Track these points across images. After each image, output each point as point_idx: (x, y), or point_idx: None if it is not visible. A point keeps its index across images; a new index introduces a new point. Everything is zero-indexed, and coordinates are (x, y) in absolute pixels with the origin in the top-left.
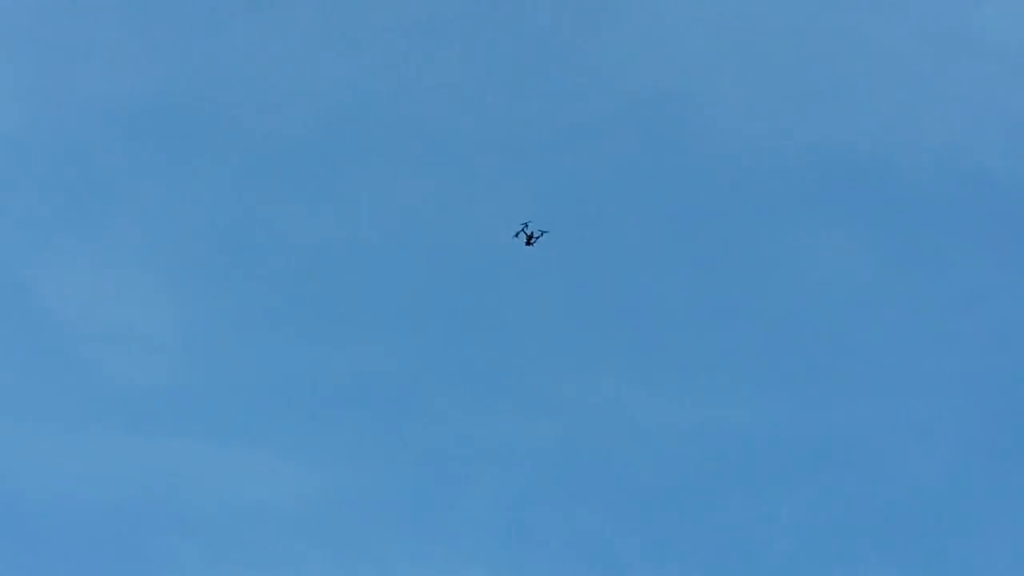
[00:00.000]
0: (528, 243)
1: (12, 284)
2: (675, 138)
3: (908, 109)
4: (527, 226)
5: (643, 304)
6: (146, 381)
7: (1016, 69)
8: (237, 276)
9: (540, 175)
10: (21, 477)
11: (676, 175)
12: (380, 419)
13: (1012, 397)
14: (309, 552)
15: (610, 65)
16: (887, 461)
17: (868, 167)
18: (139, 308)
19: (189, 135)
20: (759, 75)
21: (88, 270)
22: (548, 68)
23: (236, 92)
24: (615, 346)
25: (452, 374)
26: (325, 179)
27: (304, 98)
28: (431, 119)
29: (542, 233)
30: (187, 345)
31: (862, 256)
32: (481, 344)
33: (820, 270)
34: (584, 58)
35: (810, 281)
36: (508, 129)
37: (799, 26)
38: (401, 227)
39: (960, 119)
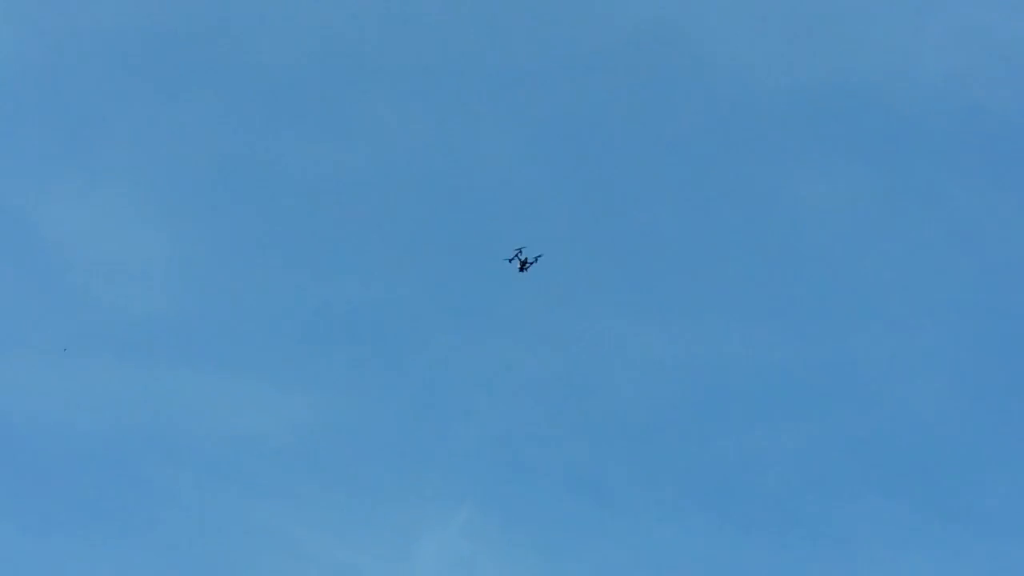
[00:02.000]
0: (522, 269)
1: (8, 214)
2: (671, 70)
3: (905, 41)
4: (521, 251)
5: (639, 238)
6: (142, 311)
7: (1014, 2)
8: (234, 207)
9: (535, 107)
10: (18, 406)
11: (671, 107)
12: (375, 350)
13: (1007, 329)
14: (302, 481)
15: None
16: (882, 393)
17: (865, 99)
18: (135, 238)
19: (184, 66)
20: (755, 6)
21: (84, 200)
22: None
23: (231, 23)
24: (610, 279)
25: (448, 306)
26: (321, 109)
27: (298, 29)
28: (425, 51)
29: (536, 259)
30: (183, 275)
31: (859, 189)
32: (477, 277)
33: (817, 204)
34: None
35: (807, 215)
36: (503, 60)
37: None
38: (398, 158)
39: (957, 52)
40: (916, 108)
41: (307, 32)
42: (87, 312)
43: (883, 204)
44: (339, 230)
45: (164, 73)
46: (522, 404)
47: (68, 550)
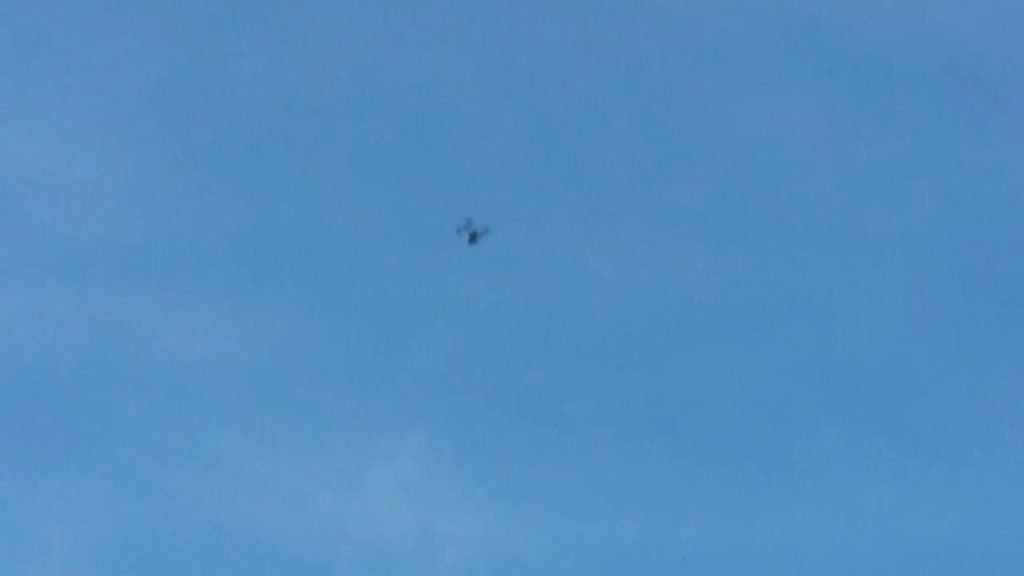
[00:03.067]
0: (471, 241)
1: None
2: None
3: None
4: (470, 223)
5: (592, 160)
6: (88, 235)
7: None
8: (184, 128)
9: (492, 30)
10: None
11: (629, 32)
12: (326, 275)
13: (964, 256)
14: (251, 408)
15: None
16: (839, 319)
17: (821, 22)
18: (80, 159)
19: None
20: None
21: (27, 119)
22: None
23: None
24: (564, 202)
25: (400, 229)
26: (274, 20)
27: None
28: None
29: (486, 230)
30: (130, 198)
31: (815, 115)
32: (430, 198)
33: (773, 129)
34: None
35: (763, 141)
36: None
37: None
38: (353, 77)
39: None
40: (873, 32)
41: None
42: (31, 236)
43: (840, 130)
44: (292, 153)
45: None
46: (475, 330)
47: (12, 476)
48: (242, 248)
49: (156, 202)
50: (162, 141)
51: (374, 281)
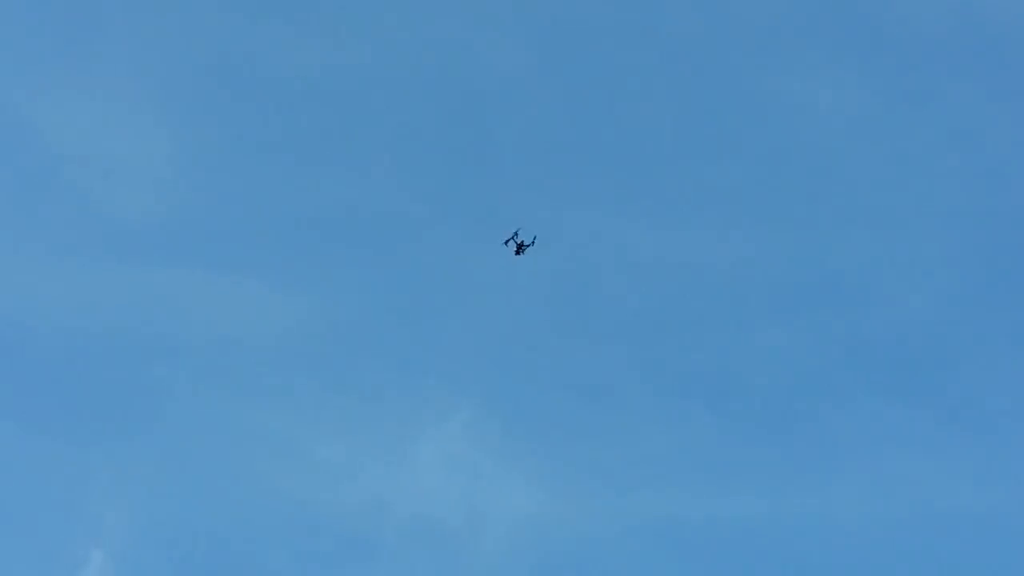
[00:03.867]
0: (518, 252)
1: (6, 113)
2: None
3: None
4: (517, 234)
5: (636, 138)
6: (138, 210)
7: None
8: (232, 105)
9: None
10: (14, 305)
11: (664, 8)
12: (374, 249)
13: (1002, 231)
14: (299, 382)
15: None
16: (877, 294)
17: (865, 2)
18: (132, 137)
19: None
20: None
21: (81, 97)
22: None
23: None
24: (607, 179)
25: (444, 205)
26: (321, 7)
27: None
28: None
29: (533, 240)
30: (180, 174)
31: (857, 91)
32: (473, 176)
33: (813, 105)
34: None
35: (805, 116)
36: None
37: None
38: (395, 56)
39: None
40: (914, 9)
41: None
42: (83, 211)
43: (880, 106)
44: (338, 128)
45: None
46: (520, 305)
47: (63, 450)
48: (290, 224)
49: (204, 178)
50: (210, 118)
51: (420, 257)
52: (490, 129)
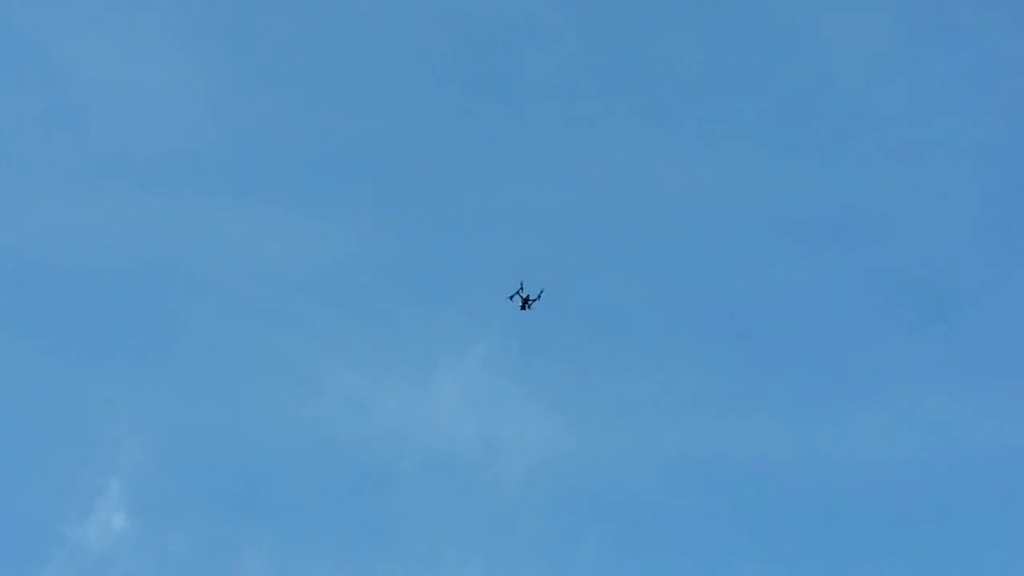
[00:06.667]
0: (523, 307)
1: (30, 44)
2: None
3: None
4: (522, 288)
5: (658, 69)
6: (166, 141)
7: None
8: (255, 34)
9: None
10: (43, 236)
11: None
12: (393, 183)
13: None
14: (321, 313)
15: None
16: (901, 230)
17: None
18: (155, 67)
19: None
20: None
21: (108, 30)
22: None
23: None
24: (631, 112)
25: (471, 135)
26: None
27: None
28: None
29: (540, 294)
30: (208, 106)
31: (881, 24)
32: (502, 104)
33: (835, 40)
34: None
35: (828, 49)
36: None
37: None
38: None
39: None
40: None
41: None
42: (111, 142)
43: (903, 38)
44: (364, 63)
45: None
46: (540, 236)
47: (83, 379)
48: (313, 157)
49: (231, 111)
50: (239, 50)
51: (442, 188)
52: (515, 62)
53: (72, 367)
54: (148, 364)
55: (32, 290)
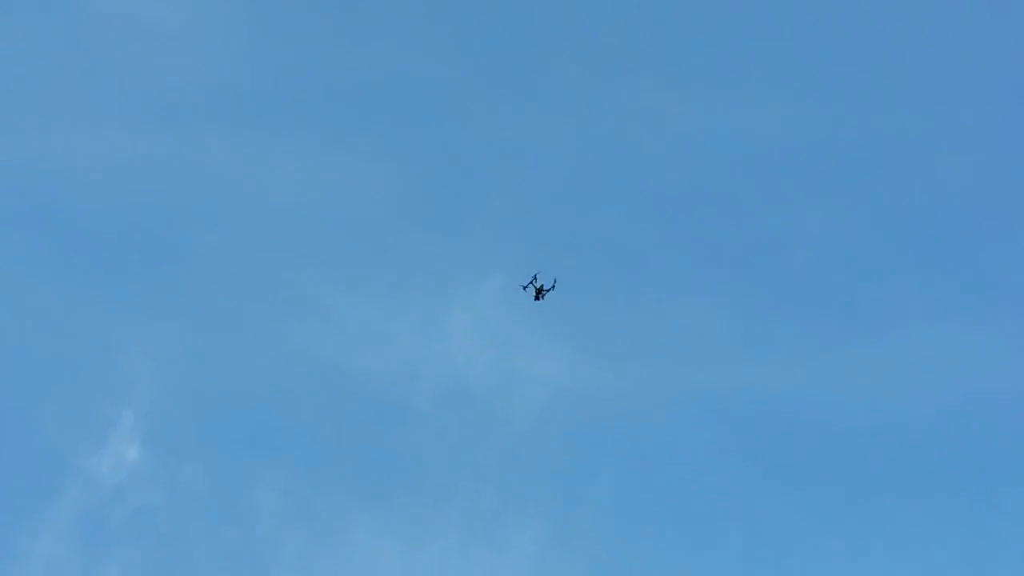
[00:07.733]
0: (537, 297)
1: None
2: None
3: None
4: (536, 279)
5: (675, 10)
6: (179, 77)
7: None
8: None
9: None
10: (59, 167)
11: None
12: (408, 118)
13: None
14: (334, 249)
15: None
16: (917, 170)
17: None
18: (173, 2)
19: None
20: None
21: None
22: None
23: None
24: (648, 50)
25: (485, 74)
26: None
27: None
28: None
29: (553, 284)
30: (221, 39)
31: None
32: (516, 39)
33: None
34: None
35: None
36: None
37: None
38: None
39: None
40: None
41: None
42: (125, 78)
43: None
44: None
45: None
46: (555, 175)
47: (98, 310)
48: (329, 94)
49: (244, 44)
50: None
51: (456, 125)
52: (533, 5)
53: (87, 299)
54: (162, 297)
55: (46, 221)
